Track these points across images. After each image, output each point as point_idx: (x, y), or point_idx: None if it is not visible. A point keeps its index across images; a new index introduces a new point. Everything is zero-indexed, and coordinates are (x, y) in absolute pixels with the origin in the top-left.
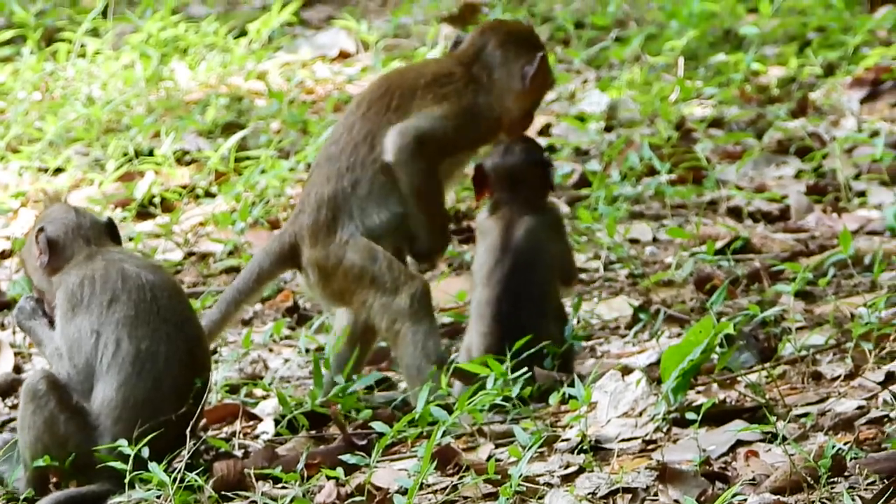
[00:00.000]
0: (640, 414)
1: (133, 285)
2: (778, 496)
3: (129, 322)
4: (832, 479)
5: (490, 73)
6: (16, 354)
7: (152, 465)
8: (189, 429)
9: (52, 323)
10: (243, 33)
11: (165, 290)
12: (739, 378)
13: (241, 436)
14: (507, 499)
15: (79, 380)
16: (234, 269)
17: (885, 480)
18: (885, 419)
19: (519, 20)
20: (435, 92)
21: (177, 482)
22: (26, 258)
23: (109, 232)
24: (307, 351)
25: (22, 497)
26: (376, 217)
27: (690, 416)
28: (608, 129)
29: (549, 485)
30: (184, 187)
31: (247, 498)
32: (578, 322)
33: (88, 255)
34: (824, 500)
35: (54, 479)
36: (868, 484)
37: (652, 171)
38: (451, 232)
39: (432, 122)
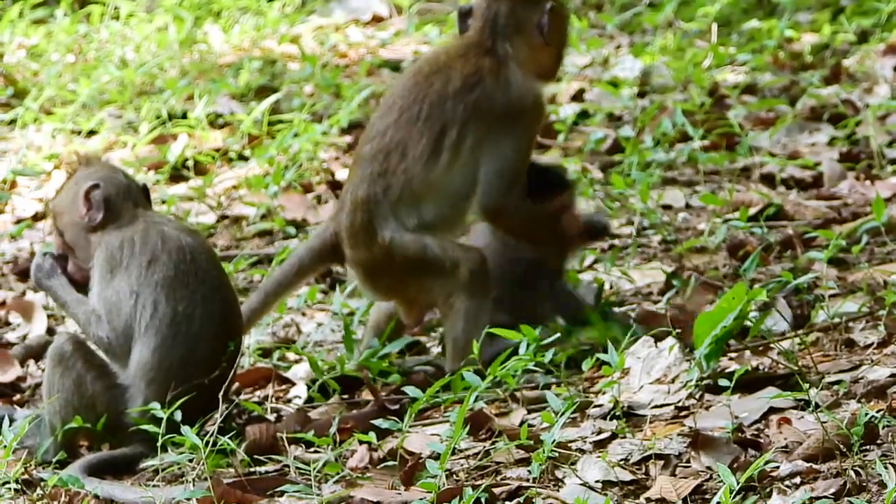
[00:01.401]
0: (673, 380)
1: (173, 247)
2: (810, 463)
3: (167, 283)
4: (864, 447)
5: (512, 43)
6: (49, 317)
7: (184, 429)
8: (222, 393)
9: (72, 282)
10: None
11: (203, 254)
12: (772, 345)
13: (274, 400)
14: (540, 464)
15: (118, 343)
16: (267, 233)
17: None
18: None
19: None
20: (466, 101)
21: (209, 446)
22: (64, 211)
23: (145, 195)
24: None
25: (53, 461)
26: (409, 221)
27: (723, 382)
28: (641, 94)
29: (582, 451)
30: (217, 150)
31: (279, 462)
32: (611, 288)
33: (132, 217)
34: (857, 468)
35: (85, 444)
36: None
37: (685, 137)
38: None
39: (506, 157)
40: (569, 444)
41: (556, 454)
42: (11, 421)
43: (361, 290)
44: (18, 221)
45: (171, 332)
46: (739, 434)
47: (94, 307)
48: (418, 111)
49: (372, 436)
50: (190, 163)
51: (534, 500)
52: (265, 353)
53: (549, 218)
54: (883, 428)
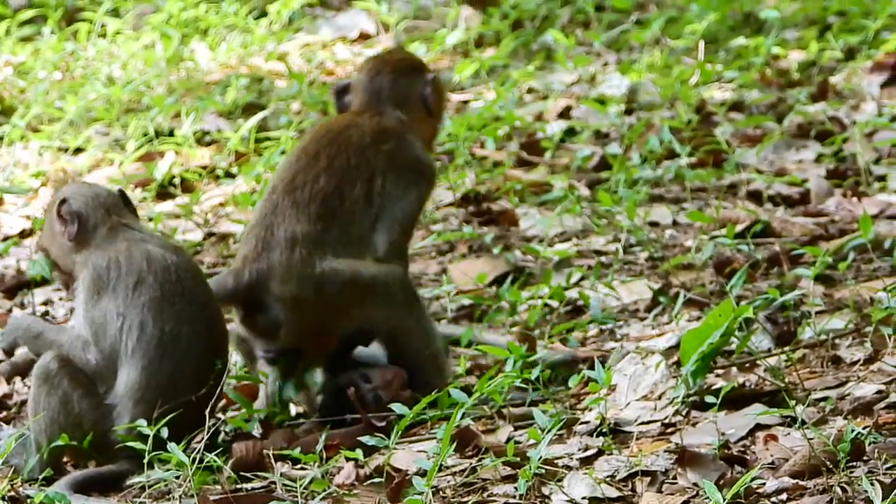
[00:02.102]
0: (660, 397)
1: (158, 267)
2: (797, 480)
3: (154, 304)
4: (851, 464)
5: (399, 114)
6: None
7: (171, 446)
8: (208, 409)
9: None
10: (264, 14)
11: (188, 272)
12: (759, 362)
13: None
14: (527, 481)
15: (105, 364)
16: None
17: None
18: None
19: (393, 49)
20: (380, 150)
21: (196, 462)
22: (49, 237)
23: (124, 202)
24: None
25: (40, 478)
26: (345, 258)
27: (710, 399)
28: (628, 111)
29: (568, 467)
30: (204, 168)
31: (266, 479)
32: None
33: (111, 229)
34: (843, 485)
35: (70, 462)
36: (887, 468)
37: (672, 155)
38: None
39: (409, 207)
40: (555, 461)
41: (543, 471)
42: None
43: (283, 329)
44: (5, 239)
45: (159, 353)
46: (726, 451)
47: (79, 332)
48: (347, 159)
49: (359, 452)
50: (177, 180)
51: None
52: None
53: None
54: (869, 444)
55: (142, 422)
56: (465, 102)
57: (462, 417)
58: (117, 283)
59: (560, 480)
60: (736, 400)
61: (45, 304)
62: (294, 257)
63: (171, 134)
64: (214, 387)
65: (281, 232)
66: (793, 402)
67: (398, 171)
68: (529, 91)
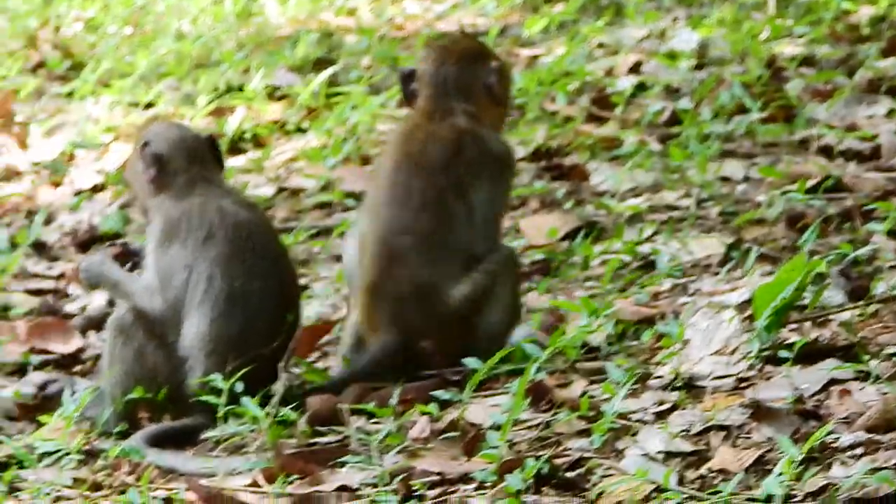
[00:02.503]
0: (733, 352)
1: (230, 223)
2: (871, 435)
3: (223, 260)
4: None
5: (468, 103)
6: None
7: (245, 400)
8: (283, 363)
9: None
10: None
11: (260, 228)
12: (832, 316)
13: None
14: (601, 435)
15: (170, 314)
16: (326, 205)
17: None
18: None
19: (456, 36)
20: (466, 164)
21: (270, 416)
22: (132, 174)
23: (211, 149)
24: None
25: (114, 432)
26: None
27: (783, 354)
28: (699, 67)
29: (643, 422)
30: (275, 123)
31: (340, 433)
32: (671, 260)
33: (190, 180)
34: None
35: (145, 416)
36: None
37: (743, 110)
38: None
39: (500, 200)
40: (629, 416)
41: (617, 425)
42: (73, 392)
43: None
44: (77, 193)
45: (229, 307)
46: (800, 405)
47: (147, 279)
48: (436, 186)
49: (433, 407)
50: (248, 135)
51: (594, 471)
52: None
53: None
54: None
55: (217, 376)
56: (536, 57)
57: (536, 372)
58: (188, 235)
59: (634, 435)
60: (809, 355)
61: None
62: (428, 305)
63: (241, 89)
64: (287, 339)
65: (407, 283)
66: (866, 357)
67: (484, 173)
68: (599, 46)
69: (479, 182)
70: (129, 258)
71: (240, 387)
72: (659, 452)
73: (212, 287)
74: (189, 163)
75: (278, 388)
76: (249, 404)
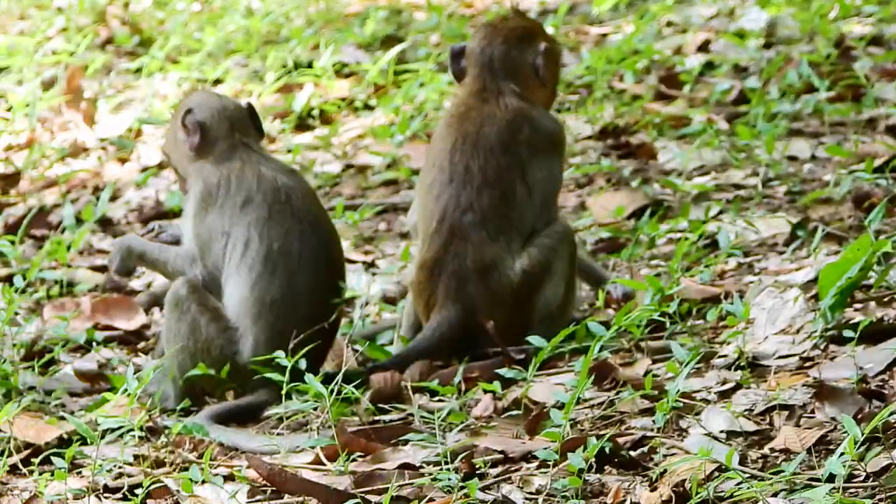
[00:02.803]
0: (798, 331)
1: (268, 187)
2: None
3: (261, 223)
4: None
5: (512, 86)
6: None
7: (309, 377)
8: (347, 340)
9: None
10: None
11: (299, 192)
12: None
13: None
14: (664, 414)
15: (209, 281)
16: (393, 182)
17: None
18: None
19: (508, 15)
20: (522, 143)
21: (334, 394)
22: (171, 143)
23: (251, 117)
24: None
25: (178, 408)
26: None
27: (848, 333)
28: (767, 45)
29: (706, 401)
30: (342, 100)
31: (403, 410)
32: (737, 238)
33: (231, 146)
34: None
35: (207, 391)
36: None
37: (811, 89)
38: None
39: (555, 177)
40: (693, 395)
41: (681, 404)
42: (137, 368)
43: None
44: (144, 170)
45: (268, 269)
46: (864, 385)
47: (186, 246)
48: (498, 167)
49: (497, 385)
50: (315, 112)
51: (658, 450)
52: (390, 301)
53: None
54: None
55: (280, 353)
56: (604, 35)
57: (600, 350)
58: (225, 200)
59: (698, 414)
60: (874, 334)
61: None
62: (490, 282)
63: (309, 65)
64: (333, 312)
65: (470, 262)
66: None
67: (539, 151)
68: (668, 24)
69: (535, 160)
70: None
71: (303, 364)
72: (722, 432)
73: (248, 251)
74: (229, 130)
75: (343, 364)
76: (313, 381)
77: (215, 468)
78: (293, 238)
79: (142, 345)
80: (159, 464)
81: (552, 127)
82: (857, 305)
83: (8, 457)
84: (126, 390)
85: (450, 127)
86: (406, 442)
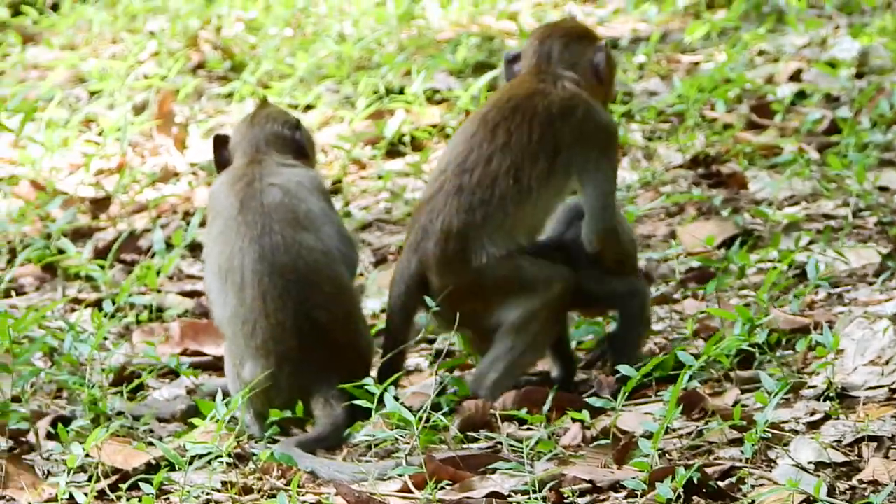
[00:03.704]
0: (887, 362)
1: (229, 203)
2: None
3: (218, 239)
4: None
5: (572, 79)
6: None
7: (396, 405)
8: (436, 368)
9: None
10: None
11: (257, 208)
12: None
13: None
14: (753, 445)
15: (208, 301)
16: None
17: None
18: None
19: (564, 18)
20: (571, 123)
21: (422, 421)
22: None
23: (293, 132)
24: None
25: (266, 435)
26: (504, 247)
27: None
28: (859, 75)
29: (795, 431)
30: (434, 126)
31: (492, 439)
32: (827, 269)
33: (238, 165)
34: None
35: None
36: None
37: None
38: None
39: (603, 190)
40: (782, 425)
41: (769, 435)
42: (226, 395)
43: (437, 321)
44: None
45: (220, 284)
46: None
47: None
48: (528, 133)
49: (585, 414)
50: (407, 138)
51: (746, 481)
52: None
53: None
54: None
55: (368, 380)
56: (696, 64)
57: (689, 380)
58: (209, 213)
59: (786, 444)
60: None
61: None
62: (449, 251)
63: (401, 92)
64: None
65: (439, 223)
66: None
67: (587, 142)
68: (760, 53)
69: (580, 153)
70: None
71: (392, 391)
72: (810, 462)
73: (210, 267)
74: (243, 154)
75: (431, 391)
76: (402, 409)
77: (303, 495)
78: (234, 255)
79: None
80: (247, 490)
81: (607, 119)
82: None
83: (96, 482)
84: (214, 417)
85: (501, 91)
86: (494, 470)
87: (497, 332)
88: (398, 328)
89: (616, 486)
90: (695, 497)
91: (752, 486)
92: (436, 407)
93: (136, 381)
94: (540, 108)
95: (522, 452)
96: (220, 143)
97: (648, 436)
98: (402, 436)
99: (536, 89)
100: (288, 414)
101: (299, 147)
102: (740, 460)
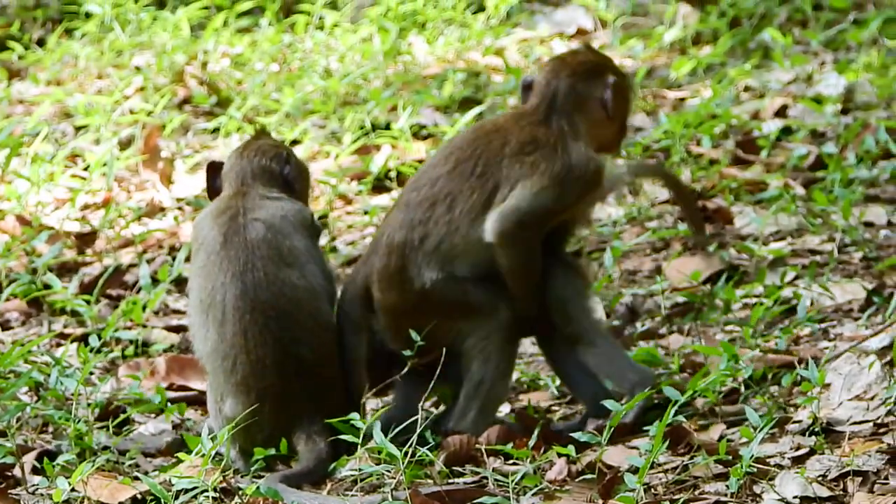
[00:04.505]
0: (873, 398)
1: (212, 236)
2: None
3: (200, 273)
4: None
5: (569, 121)
6: None
7: (382, 438)
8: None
9: None
10: (482, 9)
11: (240, 243)
12: None
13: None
14: (738, 479)
15: (191, 332)
16: None
17: None
18: None
19: (578, 49)
20: (522, 161)
21: (407, 456)
22: None
23: (280, 174)
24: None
25: (251, 470)
26: (439, 271)
27: None
28: (845, 111)
29: (780, 466)
30: (420, 161)
31: (477, 473)
32: (812, 304)
33: (223, 197)
34: None
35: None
36: None
37: (888, 155)
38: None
39: (530, 200)
40: (767, 460)
41: (755, 469)
42: (211, 430)
43: (384, 335)
44: None
45: (202, 319)
46: None
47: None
48: (474, 166)
49: (571, 449)
50: (393, 173)
51: None
52: None
53: (537, 269)
54: None
55: (354, 415)
56: (682, 100)
57: (675, 415)
58: (193, 245)
59: (772, 479)
60: None
61: None
62: (390, 265)
63: (387, 127)
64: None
65: (385, 237)
66: None
67: (539, 175)
68: (746, 89)
69: (525, 183)
70: None
71: (378, 427)
72: (795, 497)
73: (192, 301)
74: (230, 187)
75: (417, 425)
76: (387, 443)
77: None
78: (216, 289)
79: None
80: None
81: (576, 160)
82: None
83: None
84: (200, 451)
85: (487, 120)
86: None
87: (454, 362)
88: (350, 341)
89: None
90: None
91: None
92: (421, 441)
93: (122, 416)
94: (494, 146)
95: (508, 487)
96: (214, 170)
97: (634, 470)
98: (387, 470)
99: (503, 127)
100: (272, 451)
101: (286, 181)
102: (726, 495)
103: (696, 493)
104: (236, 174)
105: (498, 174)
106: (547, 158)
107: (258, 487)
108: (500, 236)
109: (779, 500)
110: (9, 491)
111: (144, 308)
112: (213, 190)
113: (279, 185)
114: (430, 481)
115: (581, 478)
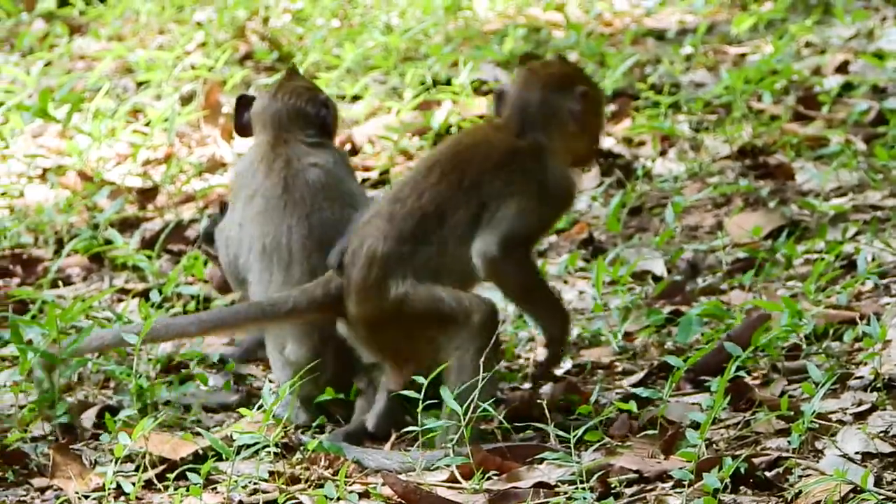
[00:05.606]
0: None
1: (271, 183)
2: None
3: (259, 219)
4: None
5: (545, 133)
6: None
7: (445, 395)
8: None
9: None
10: None
11: (303, 187)
12: None
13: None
14: (800, 435)
15: (230, 272)
16: None
17: None
18: None
19: (550, 61)
20: (503, 177)
21: (469, 412)
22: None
23: (323, 112)
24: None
25: (313, 425)
26: (419, 287)
27: None
28: None
29: (842, 422)
30: (481, 117)
31: (539, 429)
32: (873, 260)
33: (263, 142)
34: None
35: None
36: None
37: None
38: (566, 309)
39: (512, 223)
40: (829, 416)
41: (816, 425)
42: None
43: (357, 347)
44: None
45: (265, 265)
46: None
47: (226, 233)
48: (461, 178)
49: (633, 404)
50: (454, 129)
51: (792, 471)
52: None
53: (542, 280)
54: None
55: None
56: (743, 55)
57: (737, 371)
58: (240, 192)
59: (833, 435)
60: None
61: None
62: (370, 277)
63: (448, 83)
64: None
65: (365, 247)
66: None
67: (521, 193)
68: (807, 45)
69: (510, 202)
70: None
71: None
72: (857, 453)
73: (253, 247)
74: (263, 129)
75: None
76: (450, 399)
77: (350, 485)
78: (282, 233)
79: None
80: (294, 480)
81: (552, 178)
82: None
83: (143, 472)
84: (261, 406)
85: (463, 132)
86: (541, 460)
87: (427, 367)
88: (275, 313)
89: (663, 476)
90: (742, 487)
91: (799, 477)
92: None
93: (184, 372)
94: (478, 159)
95: (570, 443)
96: (244, 104)
97: (696, 426)
98: (450, 426)
99: (485, 139)
100: (340, 396)
101: (324, 124)
102: (787, 451)
103: (758, 448)
104: (270, 116)
105: (482, 190)
106: (526, 175)
107: (320, 442)
108: (491, 267)
109: (840, 455)
110: (70, 446)
111: (205, 264)
112: (239, 125)
113: (316, 128)
114: (491, 437)
115: (643, 433)
